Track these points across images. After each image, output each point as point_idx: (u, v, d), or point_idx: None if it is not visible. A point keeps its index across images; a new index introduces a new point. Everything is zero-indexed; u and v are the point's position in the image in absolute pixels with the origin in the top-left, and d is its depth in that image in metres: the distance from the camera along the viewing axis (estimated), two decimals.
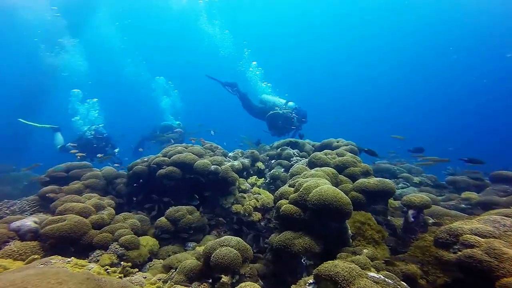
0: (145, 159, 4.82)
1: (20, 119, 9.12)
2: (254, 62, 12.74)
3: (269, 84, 10.91)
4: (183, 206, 3.89)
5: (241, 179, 4.43)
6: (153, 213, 4.15)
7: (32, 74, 14.07)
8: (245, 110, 8.87)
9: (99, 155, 7.26)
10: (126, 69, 21.41)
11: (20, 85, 14.12)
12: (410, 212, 3.01)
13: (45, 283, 2.08)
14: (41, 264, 2.32)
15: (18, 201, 4.32)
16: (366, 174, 3.68)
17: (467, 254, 1.91)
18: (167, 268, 3.04)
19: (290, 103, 7.52)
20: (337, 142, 4.77)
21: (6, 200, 4.33)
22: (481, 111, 35.00)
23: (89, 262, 2.83)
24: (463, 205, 3.82)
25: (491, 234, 1.94)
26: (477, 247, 1.91)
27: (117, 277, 2.44)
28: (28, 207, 4.14)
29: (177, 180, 4.30)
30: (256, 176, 4.70)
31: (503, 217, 2.05)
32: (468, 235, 2.04)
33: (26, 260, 2.51)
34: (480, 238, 1.95)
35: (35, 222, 3.34)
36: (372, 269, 2.27)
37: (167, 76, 16.40)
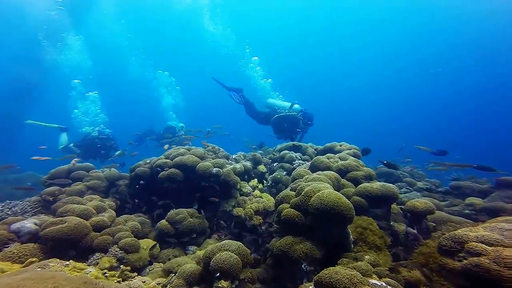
0: (148, 161, 4.79)
1: (28, 120, 9.16)
2: (256, 58, 12.48)
3: (269, 80, 10.74)
4: (184, 209, 3.84)
5: (242, 182, 4.38)
6: (157, 211, 4.11)
7: (33, 70, 13.93)
8: (249, 117, 8.76)
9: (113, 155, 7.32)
10: (129, 67, 21.32)
11: (20, 80, 13.97)
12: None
13: (42, 287, 2.04)
14: (39, 268, 2.28)
15: (20, 202, 4.29)
16: (369, 178, 3.60)
17: (474, 263, 1.84)
18: (167, 272, 2.99)
19: (296, 106, 7.44)
20: (340, 146, 4.71)
21: (8, 201, 4.31)
22: (483, 114, 34.83)
23: (88, 265, 2.79)
24: (467, 211, 3.71)
25: (498, 242, 1.86)
26: (484, 255, 1.83)
27: (115, 281, 2.39)
28: (30, 208, 4.11)
29: (178, 183, 4.26)
30: (258, 179, 4.64)
31: (511, 224, 1.98)
32: (474, 243, 1.96)
33: (24, 263, 2.47)
34: (487, 246, 1.87)
35: (36, 224, 3.30)
36: (374, 276, 2.20)
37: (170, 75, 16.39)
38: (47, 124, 8.71)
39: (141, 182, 4.48)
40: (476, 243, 1.95)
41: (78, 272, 2.43)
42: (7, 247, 3.02)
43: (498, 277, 1.72)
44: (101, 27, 19.39)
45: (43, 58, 14.08)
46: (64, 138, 8.40)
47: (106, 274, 2.44)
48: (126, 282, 2.47)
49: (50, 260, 2.45)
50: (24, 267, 2.39)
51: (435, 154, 5.09)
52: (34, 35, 13.60)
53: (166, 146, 4.91)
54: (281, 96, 9.97)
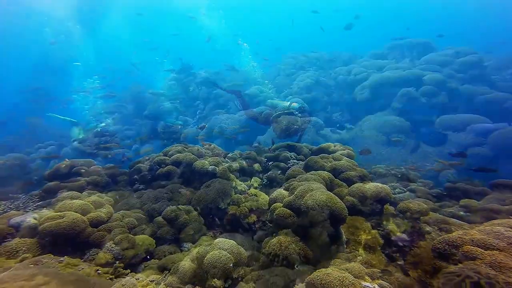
0: (147, 158, 4.71)
1: (49, 114, 9.27)
2: (245, 44, 12.48)
3: (254, 64, 10.72)
4: (180, 206, 3.73)
5: (238, 180, 4.27)
6: (153, 207, 3.99)
7: (42, 66, 13.94)
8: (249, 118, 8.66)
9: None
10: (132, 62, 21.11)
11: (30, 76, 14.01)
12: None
13: (33, 283, 1.94)
14: (32, 264, 2.19)
15: (23, 196, 4.22)
16: (362, 178, 3.47)
17: (470, 267, 1.71)
18: (162, 269, 2.88)
19: (294, 104, 7.32)
20: (334, 147, 4.58)
21: (11, 195, 4.23)
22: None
23: (84, 261, 2.69)
24: (462, 213, 3.56)
25: (494, 246, 1.73)
26: (480, 259, 1.71)
27: (107, 278, 2.29)
28: (32, 203, 4.03)
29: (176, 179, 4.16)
30: (253, 178, 4.52)
31: (507, 228, 1.84)
32: (469, 246, 1.84)
33: (17, 259, 2.37)
34: (483, 250, 1.75)
35: (35, 219, 3.21)
36: (367, 277, 2.09)
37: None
38: (61, 117, 8.80)
39: (135, 177, 4.39)
40: (472, 247, 1.82)
41: (71, 268, 2.34)
42: (7, 241, 2.93)
43: (493, 281, 1.60)
44: (106, 26, 19.32)
45: (53, 56, 14.07)
46: (75, 131, 8.43)
47: (98, 271, 2.34)
48: (119, 280, 2.37)
49: (43, 256, 2.36)
50: (17, 262, 2.30)
51: (453, 156, 4.90)
52: (42, 30, 13.56)
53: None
54: (271, 85, 9.92)
